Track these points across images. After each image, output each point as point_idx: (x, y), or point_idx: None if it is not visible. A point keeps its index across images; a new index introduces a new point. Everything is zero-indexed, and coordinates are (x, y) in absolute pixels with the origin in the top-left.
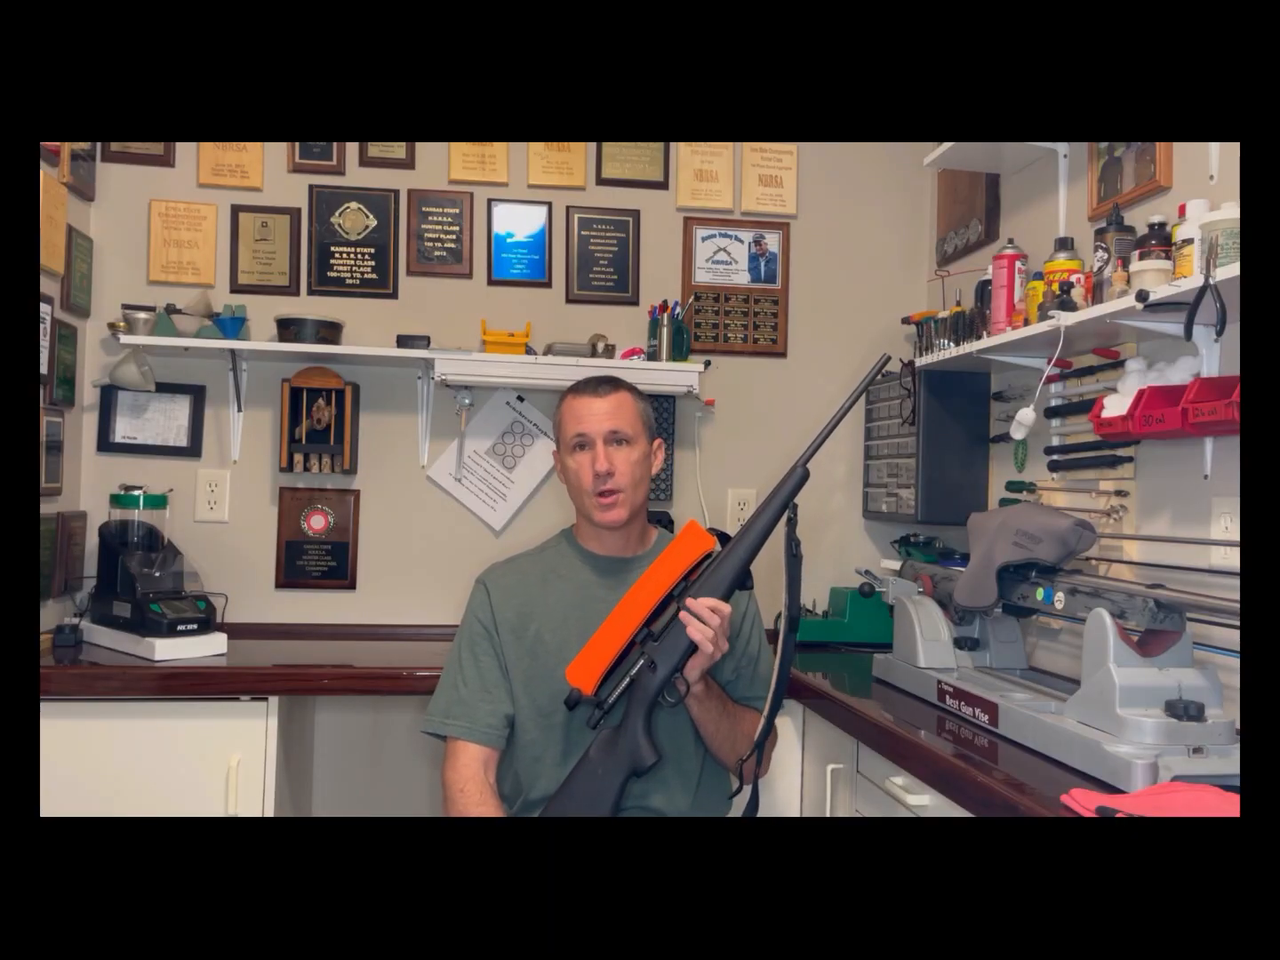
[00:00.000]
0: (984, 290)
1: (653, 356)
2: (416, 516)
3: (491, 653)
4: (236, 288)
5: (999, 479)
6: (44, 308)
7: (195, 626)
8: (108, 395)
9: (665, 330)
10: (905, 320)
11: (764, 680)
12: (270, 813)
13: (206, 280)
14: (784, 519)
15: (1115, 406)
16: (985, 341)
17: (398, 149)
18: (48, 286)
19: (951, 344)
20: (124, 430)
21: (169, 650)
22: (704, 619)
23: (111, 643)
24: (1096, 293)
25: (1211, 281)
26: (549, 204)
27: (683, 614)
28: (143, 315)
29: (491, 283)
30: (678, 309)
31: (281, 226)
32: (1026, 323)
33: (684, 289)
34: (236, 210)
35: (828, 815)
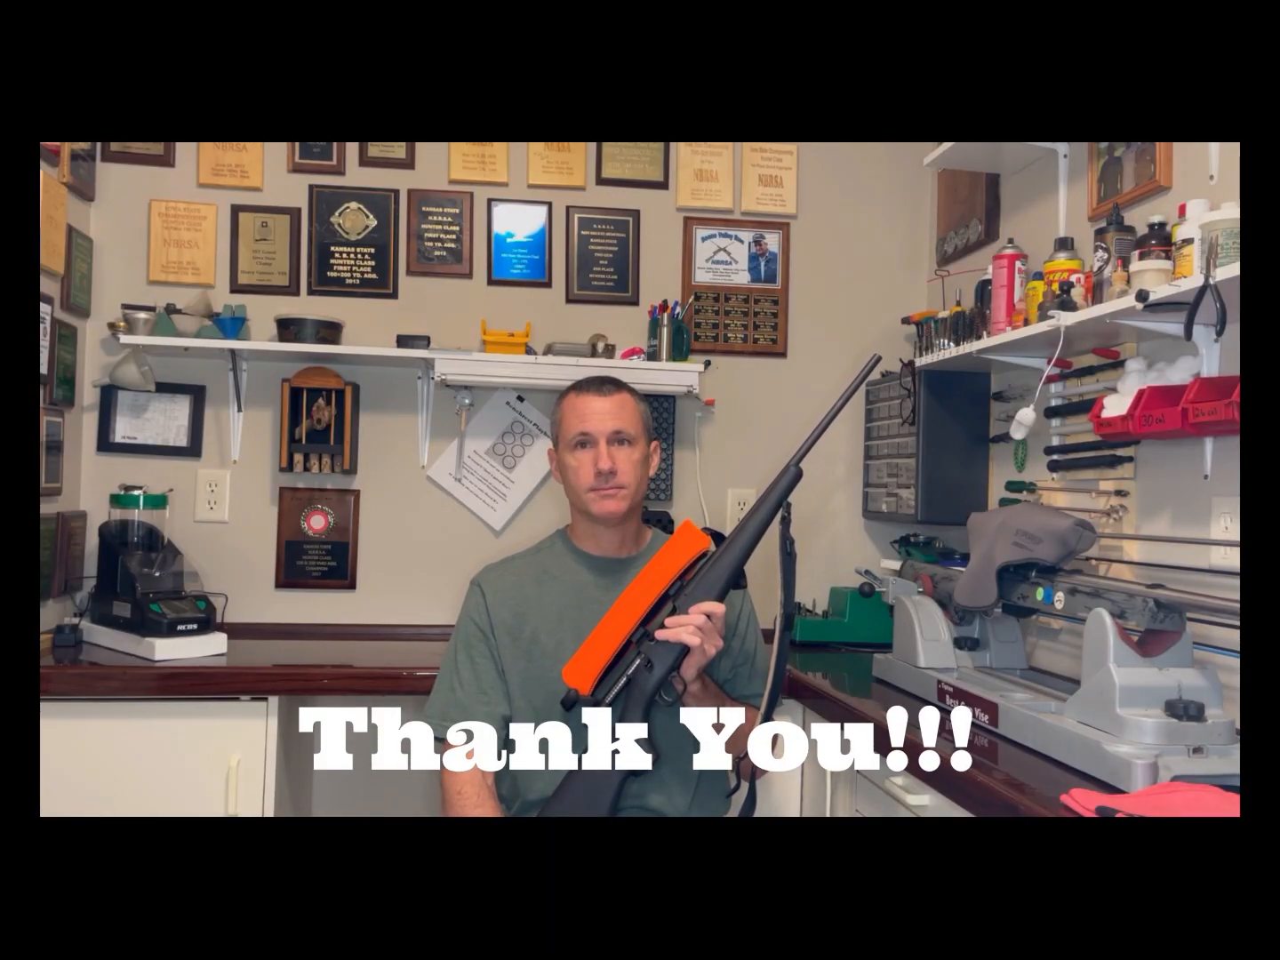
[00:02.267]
0: (984, 290)
1: (653, 356)
2: (416, 516)
3: (488, 654)
4: (236, 288)
5: (999, 479)
6: (44, 308)
7: (195, 626)
8: (108, 395)
9: (665, 330)
10: (905, 320)
11: (761, 677)
12: (270, 813)
13: (206, 280)
14: (778, 518)
15: (1115, 406)
16: (985, 341)
17: (398, 149)
18: (48, 286)
19: (951, 344)
20: (124, 430)
21: (169, 650)
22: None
23: (111, 643)
24: (1096, 293)
25: (1211, 281)
26: (549, 204)
27: (669, 620)
28: (143, 315)
29: (491, 283)
30: (678, 309)
31: (281, 226)
32: (1026, 323)
33: (684, 289)
34: (236, 210)
35: (828, 815)
